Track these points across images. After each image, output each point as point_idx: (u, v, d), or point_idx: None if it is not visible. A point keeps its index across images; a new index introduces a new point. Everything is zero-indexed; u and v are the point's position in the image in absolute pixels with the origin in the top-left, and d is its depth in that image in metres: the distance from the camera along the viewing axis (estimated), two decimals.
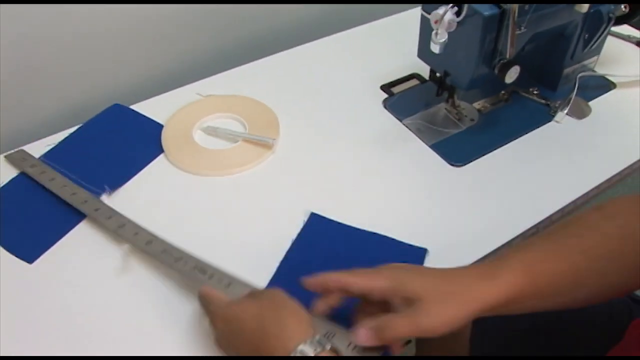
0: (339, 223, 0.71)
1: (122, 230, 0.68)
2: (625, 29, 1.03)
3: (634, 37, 1.01)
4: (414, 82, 0.93)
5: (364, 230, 0.70)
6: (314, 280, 0.53)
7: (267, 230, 0.71)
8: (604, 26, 0.85)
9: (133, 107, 0.88)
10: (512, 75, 0.79)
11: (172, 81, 0.93)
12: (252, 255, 0.68)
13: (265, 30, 1.05)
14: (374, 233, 0.70)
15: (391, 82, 0.92)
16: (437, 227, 0.71)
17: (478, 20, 0.72)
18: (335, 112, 0.88)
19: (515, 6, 0.72)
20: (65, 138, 0.84)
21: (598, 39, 0.87)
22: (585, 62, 0.92)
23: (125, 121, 0.86)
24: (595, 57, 0.92)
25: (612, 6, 0.83)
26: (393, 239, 0.69)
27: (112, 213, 0.71)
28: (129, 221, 0.70)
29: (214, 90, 0.90)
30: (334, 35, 1.03)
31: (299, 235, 0.70)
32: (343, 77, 0.94)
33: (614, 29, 0.99)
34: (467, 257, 0.67)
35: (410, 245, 0.68)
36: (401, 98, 0.90)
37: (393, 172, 0.78)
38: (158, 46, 0.95)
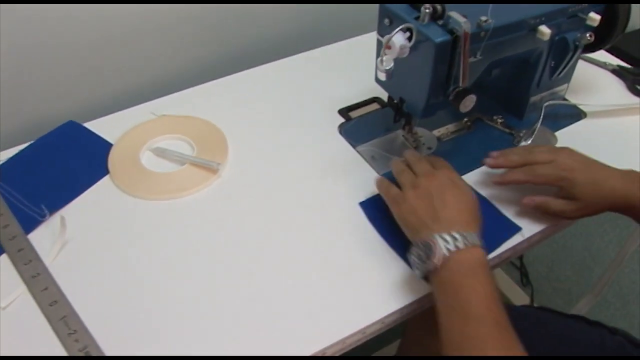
0: None
1: (33, 280, 0.68)
2: (602, 56, 1.01)
3: (610, 65, 0.99)
4: (374, 106, 0.92)
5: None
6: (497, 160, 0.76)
7: (203, 258, 0.71)
8: (570, 54, 0.83)
9: (89, 124, 0.89)
10: (467, 104, 0.77)
11: (132, 98, 0.93)
12: (187, 285, 0.68)
13: (225, 51, 1.04)
14: (482, 197, 0.77)
15: (350, 106, 0.91)
16: (386, 260, 0.70)
17: (429, 47, 0.71)
18: (288, 136, 0.87)
19: (468, 33, 0.71)
20: (15, 154, 0.84)
21: (565, 67, 0.85)
22: (555, 90, 0.90)
23: (77, 139, 0.86)
24: (565, 85, 0.91)
25: (577, 34, 0.81)
26: (496, 208, 0.77)
27: (33, 257, 0.70)
28: (45, 272, 0.69)
29: (170, 109, 0.90)
30: (296, 56, 1.02)
31: None
32: (302, 100, 0.93)
33: (591, 55, 0.98)
34: (421, 287, 0.67)
35: (508, 220, 0.75)
36: (358, 123, 0.89)
37: (339, 202, 0.77)
38: (118, 63, 0.95)
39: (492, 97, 0.93)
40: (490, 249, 0.69)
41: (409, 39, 0.73)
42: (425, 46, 0.71)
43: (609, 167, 0.73)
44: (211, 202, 0.77)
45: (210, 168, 0.79)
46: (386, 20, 0.77)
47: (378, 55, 0.79)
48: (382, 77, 0.74)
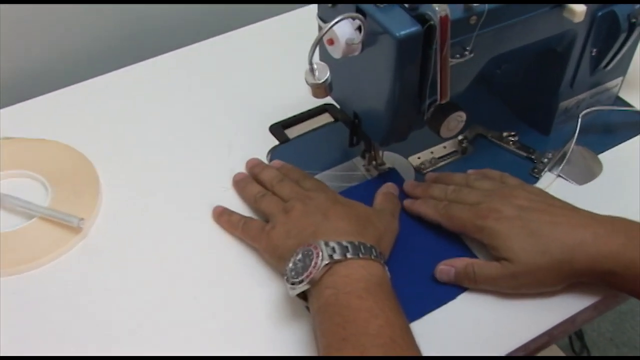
0: None
1: None
2: None
3: None
4: (325, 118, 0.73)
5: None
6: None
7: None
8: (622, 36, 0.64)
9: None
10: (451, 126, 0.60)
11: None
12: None
13: (102, 37, 0.86)
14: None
15: (287, 119, 0.72)
16: None
17: (388, 43, 0.53)
18: (190, 171, 0.70)
19: (447, 20, 0.51)
20: None
21: (616, 54, 0.66)
22: (600, 89, 0.72)
23: None
24: (619, 80, 0.73)
25: (635, 6, 0.62)
26: None
27: None
28: None
29: (17, 128, 0.73)
30: (208, 41, 0.85)
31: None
32: (214, 111, 0.77)
33: None
34: None
35: None
36: (297, 146, 0.71)
37: (264, 275, 0.60)
38: None
39: (502, 102, 0.76)
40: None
41: (360, 29, 0.55)
42: (384, 41, 0.54)
43: (583, 214, 0.58)
44: (70, 275, 0.62)
45: (70, 225, 0.63)
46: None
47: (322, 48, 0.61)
48: (319, 94, 0.57)
